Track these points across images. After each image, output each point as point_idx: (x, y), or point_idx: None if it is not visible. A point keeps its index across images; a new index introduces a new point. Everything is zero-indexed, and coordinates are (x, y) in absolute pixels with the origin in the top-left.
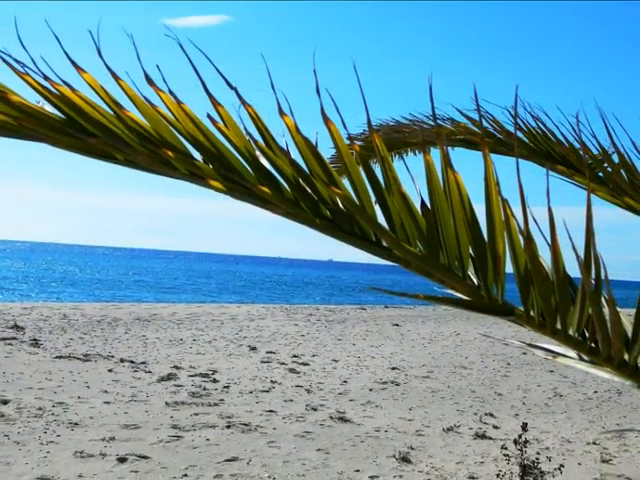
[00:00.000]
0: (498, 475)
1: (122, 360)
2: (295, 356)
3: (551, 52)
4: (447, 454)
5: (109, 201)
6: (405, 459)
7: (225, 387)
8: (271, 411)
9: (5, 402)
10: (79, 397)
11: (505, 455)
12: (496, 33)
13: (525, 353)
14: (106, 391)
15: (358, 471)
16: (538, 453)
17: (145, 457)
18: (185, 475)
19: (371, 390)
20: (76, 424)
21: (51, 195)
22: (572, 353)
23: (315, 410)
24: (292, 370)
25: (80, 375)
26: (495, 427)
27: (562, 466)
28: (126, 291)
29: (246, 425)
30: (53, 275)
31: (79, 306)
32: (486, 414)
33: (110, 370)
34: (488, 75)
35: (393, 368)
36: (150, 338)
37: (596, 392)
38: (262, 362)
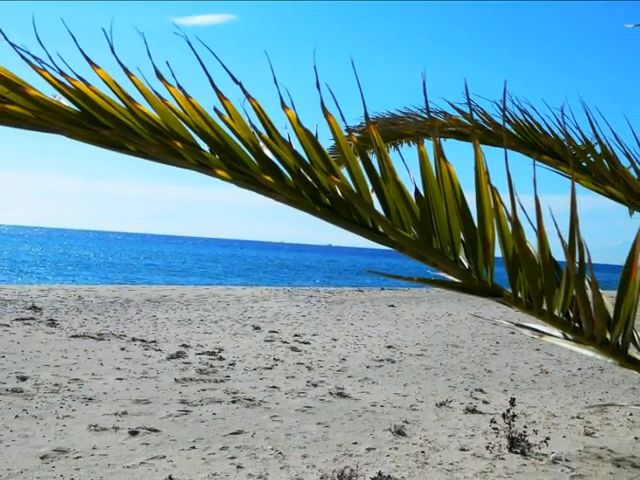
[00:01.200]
0: (487, 447)
1: (134, 339)
2: (297, 335)
3: (538, 50)
4: (439, 427)
5: (122, 189)
6: (400, 432)
7: (230, 364)
8: (274, 387)
9: (24, 378)
10: (93, 374)
11: (494, 428)
12: (486, 32)
13: (513, 332)
14: (118, 368)
15: (356, 443)
16: (525, 426)
17: (155, 430)
18: (193, 447)
19: (368, 367)
20: (90, 399)
21: (67, 184)
22: (557, 332)
23: (315, 386)
24: (294, 348)
25: (94, 353)
26: (485, 402)
27: (548, 439)
28: (137, 274)
29: (250, 400)
30: (69, 259)
31: (93, 288)
32: (476, 390)
33: (122, 349)
34: (478, 71)
35: (389, 347)
36: (160, 318)
37: (580, 369)
38: (265, 341)
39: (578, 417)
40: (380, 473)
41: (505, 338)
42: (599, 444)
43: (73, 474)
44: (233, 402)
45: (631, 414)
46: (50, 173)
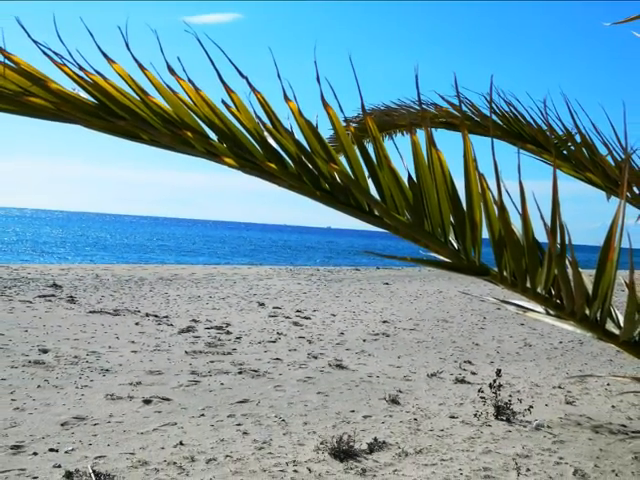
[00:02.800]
0: (475, 415)
1: (147, 315)
2: (298, 311)
3: (522, 46)
4: (431, 397)
5: (136, 175)
6: (394, 401)
7: (237, 338)
8: (277, 359)
9: (45, 351)
10: (110, 347)
11: (481, 397)
12: (475, 30)
13: (499, 308)
14: (133, 341)
15: (353, 411)
16: (510, 396)
17: (167, 399)
18: (202, 415)
19: (365, 341)
20: (107, 370)
21: (84, 170)
22: (540, 308)
23: (315, 358)
24: (296, 323)
25: (110, 328)
26: (473, 373)
27: (531, 407)
28: (151, 254)
29: (255, 371)
30: (87, 240)
31: (109, 267)
32: (465, 362)
33: (137, 323)
34: (467, 66)
35: (384, 321)
36: (172, 295)
37: (561, 342)
38: (269, 316)
39: (559, 387)
40: (376, 439)
41: (492, 314)
42: (578, 412)
43: (91, 439)
44: (239, 373)
45: (608, 384)
46: (68, 161)
